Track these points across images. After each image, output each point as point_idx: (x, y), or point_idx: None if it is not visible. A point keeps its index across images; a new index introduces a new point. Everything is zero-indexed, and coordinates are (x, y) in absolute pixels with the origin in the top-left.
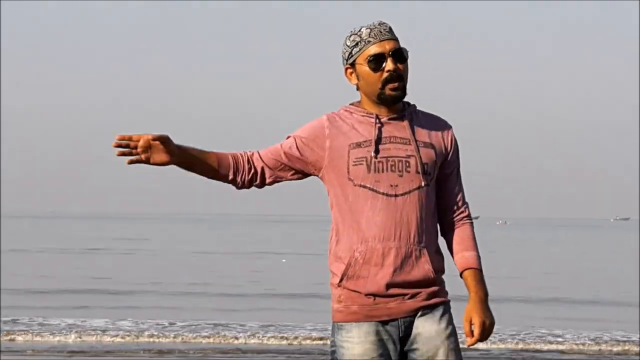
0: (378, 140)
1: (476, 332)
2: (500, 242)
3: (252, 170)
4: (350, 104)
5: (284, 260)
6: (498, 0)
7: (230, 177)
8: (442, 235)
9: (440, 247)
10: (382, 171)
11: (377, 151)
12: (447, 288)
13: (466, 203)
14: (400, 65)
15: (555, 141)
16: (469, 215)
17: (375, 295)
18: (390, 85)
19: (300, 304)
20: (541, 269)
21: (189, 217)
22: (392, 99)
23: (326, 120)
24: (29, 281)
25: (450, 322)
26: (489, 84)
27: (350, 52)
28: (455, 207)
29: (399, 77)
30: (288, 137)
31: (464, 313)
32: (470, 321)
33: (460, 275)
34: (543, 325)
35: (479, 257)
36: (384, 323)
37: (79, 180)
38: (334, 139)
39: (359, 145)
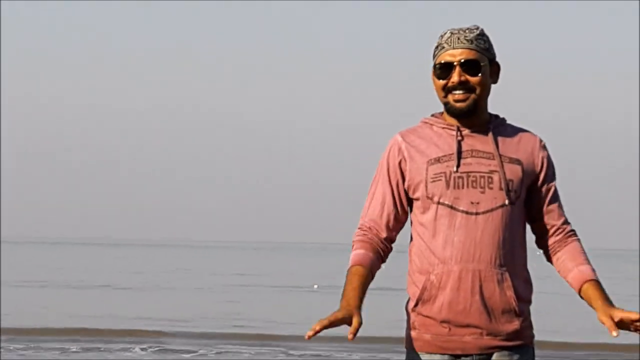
0: (459, 154)
1: (626, 315)
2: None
3: (391, 247)
4: (432, 115)
5: (316, 286)
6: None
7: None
8: (548, 260)
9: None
10: (462, 187)
11: (458, 165)
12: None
13: (569, 222)
14: (470, 78)
15: (574, 168)
16: (574, 231)
17: (450, 323)
18: (454, 96)
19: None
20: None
21: (180, 243)
22: (457, 111)
23: (402, 142)
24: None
25: None
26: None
27: (433, 55)
28: (558, 227)
29: (468, 89)
30: (374, 189)
31: (599, 314)
32: (611, 317)
33: (579, 291)
34: None
35: (595, 271)
36: (457, 357)
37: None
38: (411, 158)
39: (437, 160)
